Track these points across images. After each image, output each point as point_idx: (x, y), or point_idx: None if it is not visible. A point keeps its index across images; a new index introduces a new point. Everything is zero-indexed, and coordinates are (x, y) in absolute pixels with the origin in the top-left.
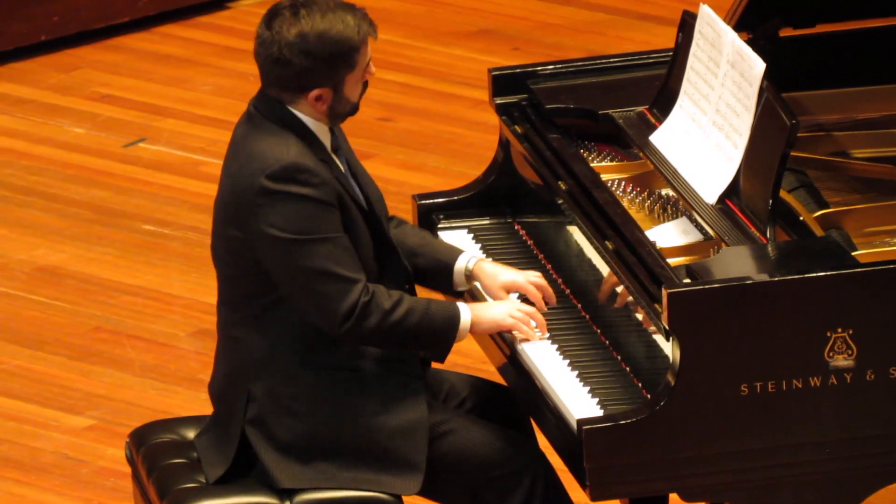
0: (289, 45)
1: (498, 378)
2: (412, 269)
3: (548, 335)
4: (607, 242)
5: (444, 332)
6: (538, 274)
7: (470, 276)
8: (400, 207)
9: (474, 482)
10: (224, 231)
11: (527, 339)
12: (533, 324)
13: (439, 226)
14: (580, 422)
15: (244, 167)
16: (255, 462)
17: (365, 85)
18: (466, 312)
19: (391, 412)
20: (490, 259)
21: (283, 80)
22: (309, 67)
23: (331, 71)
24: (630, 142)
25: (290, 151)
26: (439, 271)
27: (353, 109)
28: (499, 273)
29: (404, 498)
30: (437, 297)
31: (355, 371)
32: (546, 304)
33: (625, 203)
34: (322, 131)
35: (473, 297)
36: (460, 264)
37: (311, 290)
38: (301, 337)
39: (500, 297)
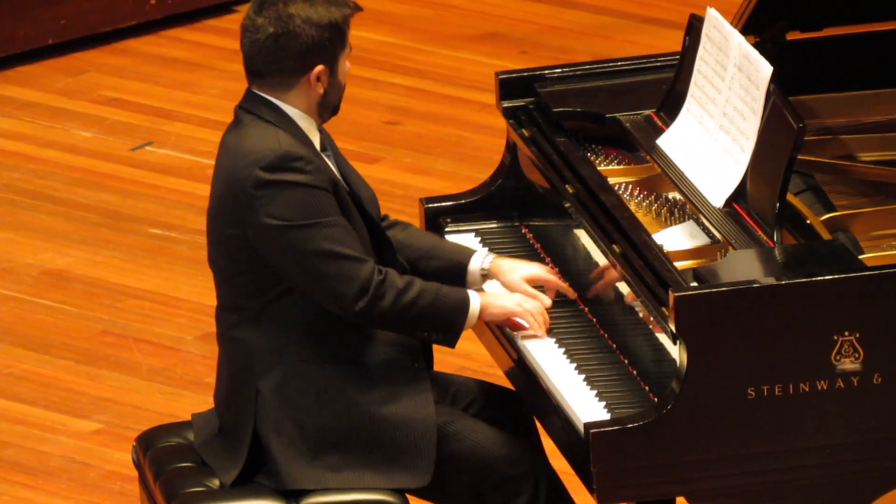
0: (291, 18)
1: (505, 382)
2: (424, 272)
3: (553, 338)
4: (614, 246)
5: (456, 315)
6: (552, 271)
7: (486, 274)
8: (407, 211)
9: (478, 485)
10: (221, 232)
11: (531, 335)
12: (540, 319)
13: (447, 229)
14: (587, 425)
15: (236, 163)
16: (263, 461)
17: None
18: (476, 298)
19: (398, 402)
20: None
21: (285, 61)
22: (313, 39)
23: (331, 45)
24: (637, 145)
25: (281, 142)
26: (453, 272)
27: (338, 105)
28: (519, 266)
29: (410, 499)
30: None
31: (360, 363)
32: (553, 304)
33: (632, 206)
34: (311, 128)
35: None
36: (475, 264)
37: (319, 274)
38: (304, 331)
39: (523, 288)
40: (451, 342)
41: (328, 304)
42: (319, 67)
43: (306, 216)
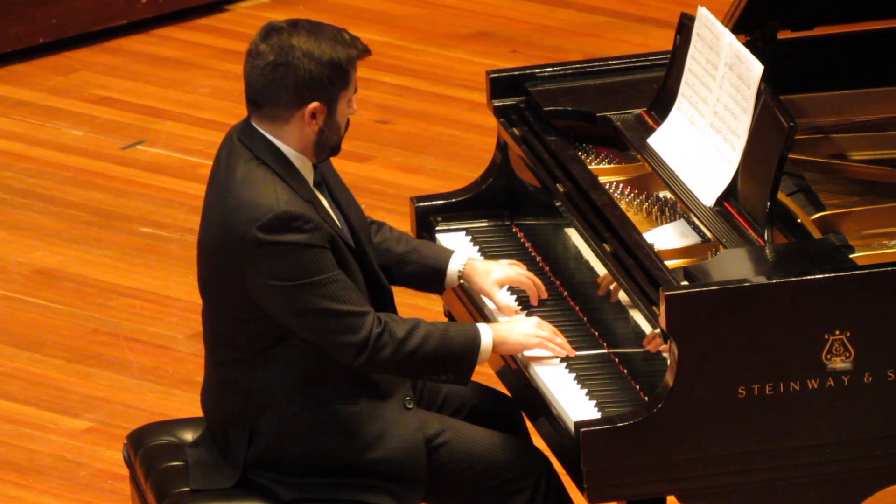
0: (292, 48)
1: (495, 381)
2: (401, 277)
3: (575, 355)
4: (605, 245)
5: (465, 355)
6: (523, 267)
7: (461, 276)
8: (398, 210)
9: (476, 489)
10: (217, 277)
11: (550, 359)
12: (559, 340)
13: (437, 228)
14: (578, 424)
15: (233, 216)
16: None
17: (347, 123)
18: (488, 333)
19: (386, 446)
20: (481, 258)
21: (280, 92)
22: (311, 73)
23: (329, 83)
24: (628, 144)
25: (279, 198)
26: (430, 276)
27: (337, 146)
28: (490, 270)
29: None
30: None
31: (350, 405)
32: (542, 301)
33: (623, 205)
34: (306, 168)
35: (457, 295)
36: (453, 267)
37: (320, 331)
38: (295, 377)
39: (493, 293)
40: (463, 381)
41: (333, 354)
42: (314, 105)
43: (304, 275)
